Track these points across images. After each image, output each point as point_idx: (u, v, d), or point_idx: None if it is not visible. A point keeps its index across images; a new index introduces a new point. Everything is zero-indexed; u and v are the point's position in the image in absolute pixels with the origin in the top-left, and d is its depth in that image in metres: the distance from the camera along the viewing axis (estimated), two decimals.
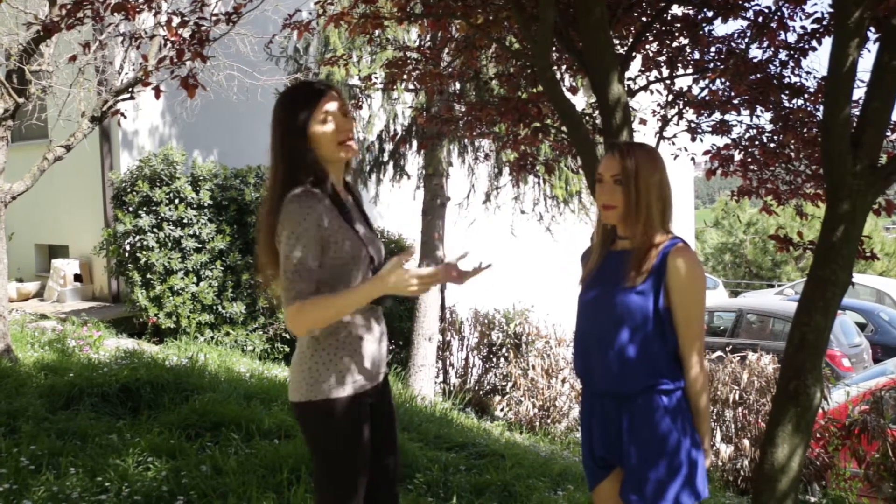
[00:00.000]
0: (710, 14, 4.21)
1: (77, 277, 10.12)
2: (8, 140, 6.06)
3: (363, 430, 2.16)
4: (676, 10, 4.32)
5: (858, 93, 3.14)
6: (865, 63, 3.15)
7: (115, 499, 3.41)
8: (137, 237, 8.25)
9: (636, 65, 4.54)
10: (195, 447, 4.07)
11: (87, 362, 5.84)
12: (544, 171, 5.38)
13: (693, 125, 4.73)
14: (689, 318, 2.18)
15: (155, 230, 8.29)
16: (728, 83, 4.23)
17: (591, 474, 2.36)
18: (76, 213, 10.37)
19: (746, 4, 4.13)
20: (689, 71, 4.53)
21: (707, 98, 4.44)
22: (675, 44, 4.45)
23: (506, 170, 9.76)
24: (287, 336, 8.64)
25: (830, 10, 3.82)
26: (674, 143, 4.73)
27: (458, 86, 8.09)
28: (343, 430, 2.13)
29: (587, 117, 4.61)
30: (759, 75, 4.16)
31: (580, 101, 6.80)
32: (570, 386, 8.62)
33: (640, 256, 2.21)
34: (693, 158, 5.14)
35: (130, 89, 6.39)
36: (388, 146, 9.65)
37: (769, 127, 4.50)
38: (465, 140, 9.16)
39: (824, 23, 4.06)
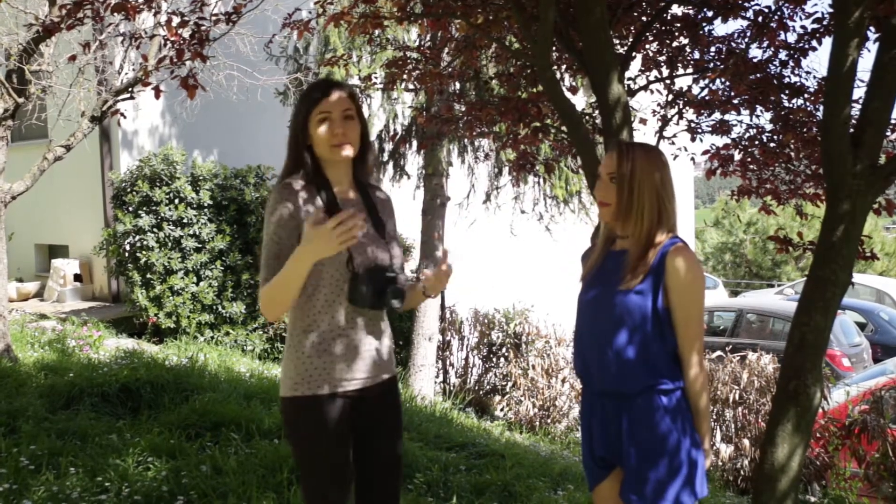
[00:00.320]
0: (710, 14, 4.21)
1: (77, 277, 10.12)
2: (8, 140, 6.06)
3: (330, 429, 2.15)
4: (676, 9, 4.32)
5: (858, 93, 3.14)
6: (865, 63, 3.16)
7: (115, 499, 3.41)
8: (137, 237, 8.25)
9: (636, 65, 4.54)
10: (195, 447, 4.07)
11: (87, 362, 5.84)
12: (544, 171, 5.39)
13: (693, 125, 4.73)
14: (688, 318, 2.18)
15: (155, 230, 8.29)
16: (728, 83, 4.23)
17: (591, 474, 2.35)
18: (76, 213, 10.37)
19: (746, 4, 4.13)
20: (689, 71, 4.53)
21: (707, 98, 4.44)
22: (675, 44, 4.46)
23: (506, 169, 9.75)
24: None
25: (830, 9, 3.82)
26: (674, 143, 4.72)
27: (458, 86, 8.07)
28: (305, 428, 2.17)
29: (587, 117, 4.61)
30: (759, 75, 4.15)
31: (580, 100, 6.80)
32: (570, 386, 8.61)
33: (638, 256, 2.20)
34: (693, 158, 5.13)
35: (130, 89, 6.39)
36: (388, 146, 9.64)
37: (769, 127, 4.49)
38: (465, 140, 9.14)
39: (824, 23, 4.06)
